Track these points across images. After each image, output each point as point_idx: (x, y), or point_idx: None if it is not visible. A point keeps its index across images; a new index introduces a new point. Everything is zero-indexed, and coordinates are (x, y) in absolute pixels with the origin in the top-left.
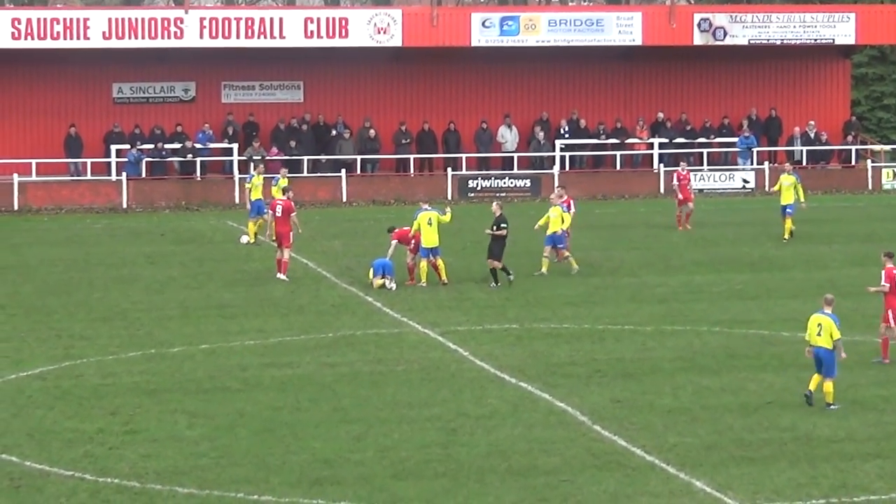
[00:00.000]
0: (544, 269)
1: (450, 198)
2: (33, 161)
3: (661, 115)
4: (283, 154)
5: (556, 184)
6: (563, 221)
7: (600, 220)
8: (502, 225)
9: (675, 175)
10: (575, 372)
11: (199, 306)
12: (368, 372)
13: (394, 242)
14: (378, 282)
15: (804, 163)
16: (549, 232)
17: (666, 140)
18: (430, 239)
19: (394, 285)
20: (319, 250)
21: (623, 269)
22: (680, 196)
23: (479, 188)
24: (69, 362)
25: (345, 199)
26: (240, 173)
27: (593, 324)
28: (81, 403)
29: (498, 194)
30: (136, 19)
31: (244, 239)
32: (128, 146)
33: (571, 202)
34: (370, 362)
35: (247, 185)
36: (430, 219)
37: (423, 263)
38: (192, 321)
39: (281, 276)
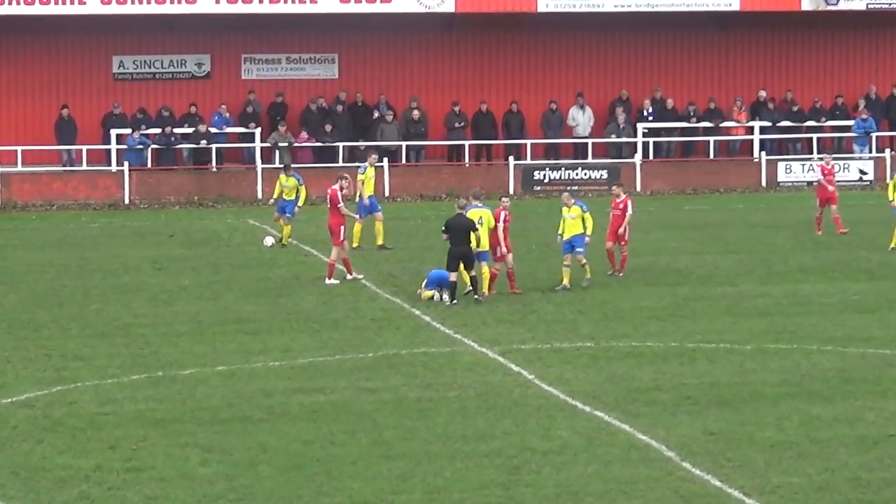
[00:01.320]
0: (566, 281)
1: (512, 191)
2: (18, 149)
3: (762, 93)
4: (315, 140)
5: (638, 172)
6: (584, 224)
7: (690, 219)
8: None
9: (819, 168)
10: (660, 399)
11: (215, 321)
12: (415, 398)
13: None
14: (427, 293)
15: None
16: (566, 237)
17: (768, 123)
18: (481, 241)
19: (447, 298)
20: (357, 254)
21: (717, 276)
22: (829, 189)
23: (546, 180)
24: (61, 387)
25: (387, 193)
26: (262, 163)
27: (682, 341)
28: (76, 436)
29: (569, 187)
30: None
31: (269, 241)
32: (130, 131)
33: (629, 203)
34: (417, 387)
35: (359, 177)
36: (480, 218)
37: (485, 269)
38: (207, 338)
39: (329, 281)
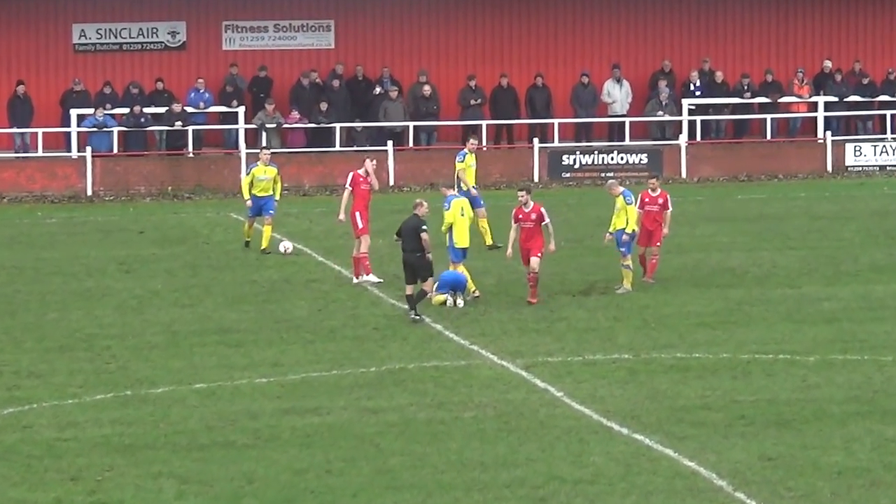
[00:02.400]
0: (627, 284)
1: (537, 179)
2: None
3: (827, 63)
4: (308, 121)
5: (684, 156)
6: (626, 218)
7: (743, 210)
8: None
9: None
10: (710, 419)
11: (193, 331)
12: (425, 420)
13: None
14: (439, 298)
15: None
16: (614, 232)
17: (834, 98)
18: (465, 236)
19: (462, 302)
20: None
21: (776, 276)
22: None
23: (576, 166)
24: (14, 408)
25: (392, 182)
26: (247, 147)
27: (735, 352)
28: (31, 465)
29: (603, 174)
30: None
31: (285, 246)
32: (93, 111)
33: (668, 198)
34: (427, 407)
35: (458, 166)
36: (462, 208)
37: (462, 269)
38: (183, 351)
39: (366, 277)
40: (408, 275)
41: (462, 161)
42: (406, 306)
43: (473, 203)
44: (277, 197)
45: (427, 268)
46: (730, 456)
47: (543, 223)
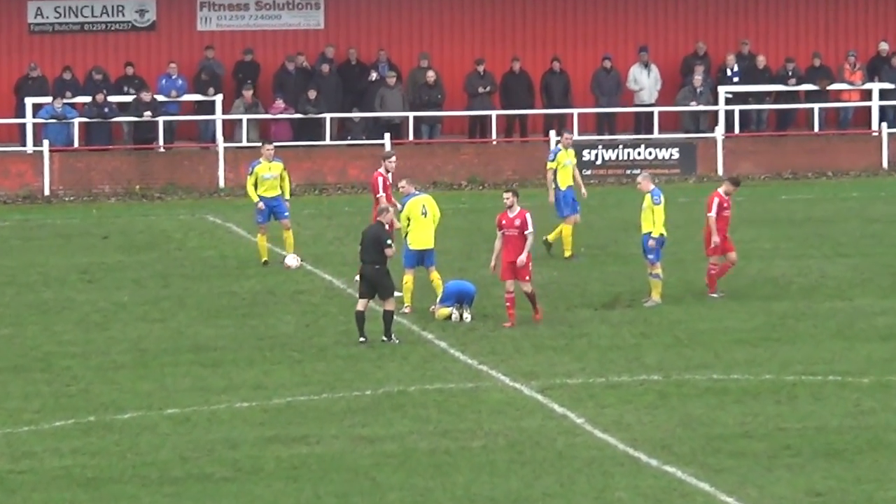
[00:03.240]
0: (656, 296)
1: None
2: None
3: (883, 46)
4: (294, 110)
5: (720, 151)
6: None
7: (788, 212)
8: None
9: None
10: (750, 449)
11: (164, 349)
12: (427, 450)
13: None
14: (443, 311)
15: None
16: (644, 232)
17: (891, 86)
18: (423, 237)
19: (469, 316)
20: (349, 260)
21: (825, 288)
22: None
23: (598, 162)
24: None
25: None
26: (225, 140)
27: (778, 373)
28: None
29: (628, 171)
30: None
31: (292, 261)
32: (51, 99)
33: (722, 201)
34: (430, 435)
35: (549, 165)
36: (423, 207)
37: (410, 278)
38: (153, 372)
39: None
40: (363, 288)
41: (553, 160)
42: (356, 325)
43: (568, 208)
44: (287, 196)
45: (386, 283)
46: (773, 491)
47: (526, 231)
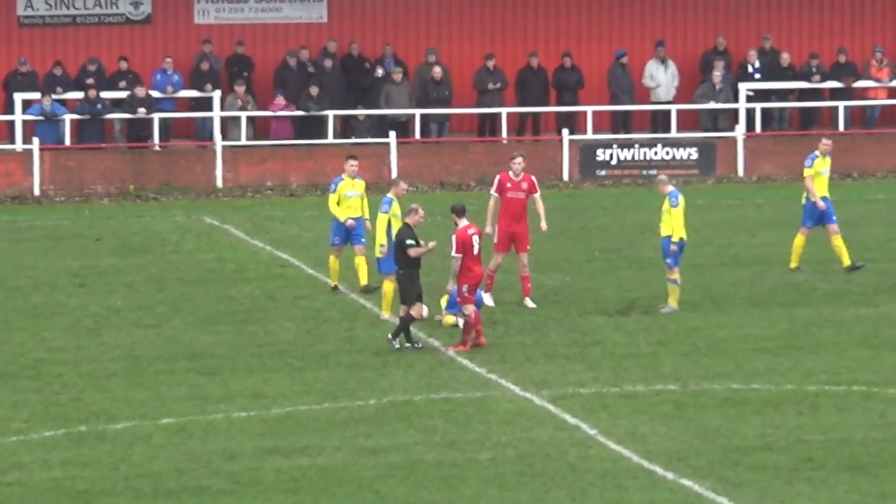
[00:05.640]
0: (673, 302)
1: (567, 177)
2: None
3: None
4: (295, 107)
5: (741, 151)
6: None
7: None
8: None
9: None
10: (771, 462)
11: (159, 356)
12: (434, 462)
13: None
14: (449, 319)
15: None
16: (664, 235)
17: None
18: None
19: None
20: (352, 264)
21: (850, 294)
22: None
23: (613, 162)
24: None
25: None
26: (223, 138)
27: (801, 383)
28: None
29: (644, 171)
30: None
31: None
32: (40, 95)
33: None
34: (437, 446)
35: (805, 171)
36: (399, 212)
37: (390, 287)
38: (148, 380)
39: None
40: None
41: (811, 167)
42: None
43: (824, 218)
44: (367, 217)
45: (408, 289)
46: None
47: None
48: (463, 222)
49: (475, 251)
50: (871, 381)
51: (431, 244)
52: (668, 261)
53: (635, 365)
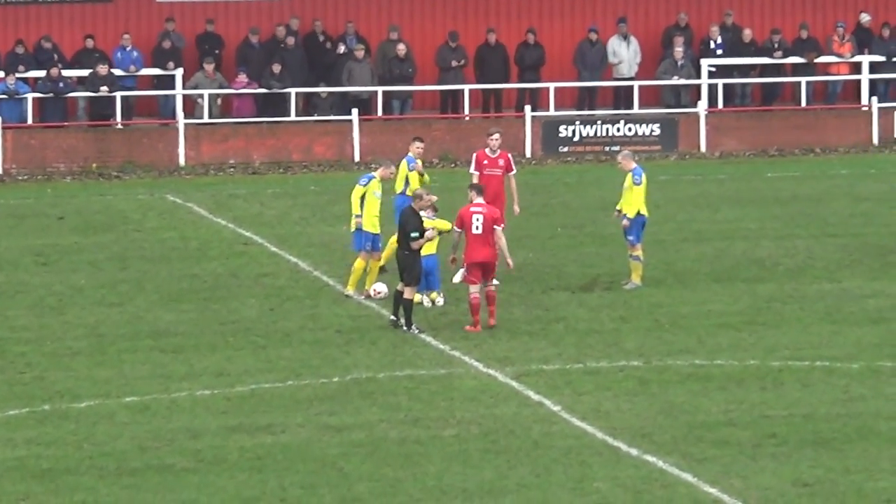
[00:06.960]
0: (636, 278)
1: (530, 154)
2: None
3: (865, 17)
4: (257, 85)
5: (703, 127)
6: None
7: (774, 190)
8: None
9: None
10: (735, 437)
11: (122, 334)
12: (398, 439)
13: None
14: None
15: None
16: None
17: (881, 58)
18: (377, 222)
19: (442, 300)
20: (316, 241)
21: (812, 269)
22: None
23: (575, 138)
24: None
25: (357, 158)
26: (186, 116)
27: (764, 359)
28: None
29: (607, 147)
30: None
31: (381, 288)
32: (2, 74)
33: None
34: (401, 423)
35: None
36: (378, 189)
37: (362, 263)
38: (111, 359)
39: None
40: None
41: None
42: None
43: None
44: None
45: (410, 269)
46: (758, 481)
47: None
48: (476, 200)
49: (473, 230)
50: (833, 356)
51: (430, 232)
52: (631, 238)
53: (598, 341)
